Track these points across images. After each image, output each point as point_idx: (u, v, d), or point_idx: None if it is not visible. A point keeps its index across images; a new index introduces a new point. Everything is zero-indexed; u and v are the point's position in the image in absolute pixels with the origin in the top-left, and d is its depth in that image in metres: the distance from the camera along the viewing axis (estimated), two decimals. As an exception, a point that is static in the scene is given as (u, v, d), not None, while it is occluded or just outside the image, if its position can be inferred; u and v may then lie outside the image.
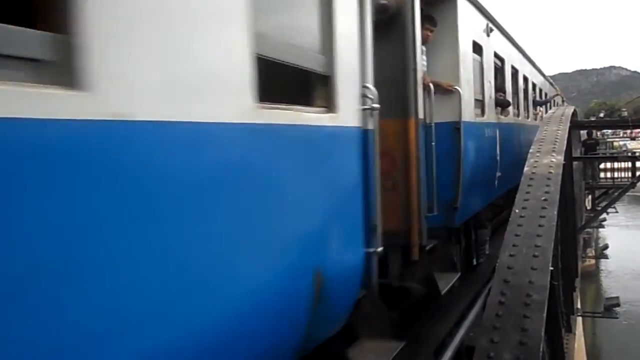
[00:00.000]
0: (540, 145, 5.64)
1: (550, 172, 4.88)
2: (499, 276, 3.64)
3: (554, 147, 5.50)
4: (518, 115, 11.36)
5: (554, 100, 20.10)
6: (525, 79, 12.86)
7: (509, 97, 9.99)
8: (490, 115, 7.98)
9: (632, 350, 18.05)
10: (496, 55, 8.89)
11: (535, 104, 8.57)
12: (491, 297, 3.54)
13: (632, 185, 12.03)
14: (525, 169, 5.02)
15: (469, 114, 6.46)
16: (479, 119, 7.22)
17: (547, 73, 19.72)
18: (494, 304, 3.44)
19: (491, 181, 7.84)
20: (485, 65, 7.81)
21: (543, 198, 4.42)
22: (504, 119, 9.13)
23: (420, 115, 5.15)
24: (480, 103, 7.46)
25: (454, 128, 6.01)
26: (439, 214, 5.52)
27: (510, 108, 10.01)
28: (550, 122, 6.75)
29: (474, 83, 7.04)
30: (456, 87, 6.04)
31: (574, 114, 8.85)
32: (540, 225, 4.06)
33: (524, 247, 3.83)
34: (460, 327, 5.62)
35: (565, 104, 24.40)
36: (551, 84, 20.26)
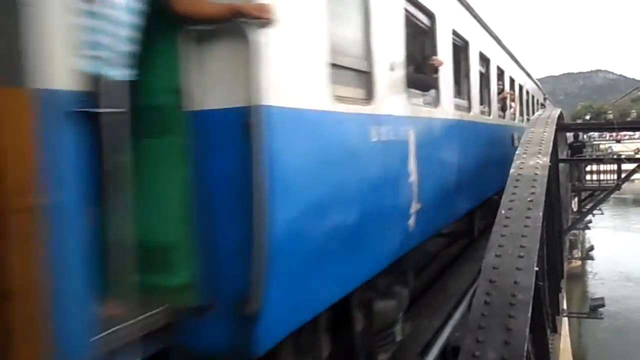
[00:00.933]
0: (527, 147, 5.67)
1: (536, 174, 4.91)
2: (485, 276, 3.67)
3: (540, 149, 5.53)
4: (469, 109, 7.60)
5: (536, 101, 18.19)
6: (485, 60, 9.03)
7: (447, 81, 6.40)
8: (393, 103, 4.49)
9: (616, 350, 18.26)
10: (413, 2, 5.34)
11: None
12: (476, 297, 3.56)
13: (618, 187, 12.10)
14: (512, 170, 5.05)
15: (297, 89, 3.02)
16: (350, 108, 3.72)
17: (535, 76, 19.32)
18: (480, 304, 3.46)
19: (395, 225, 4.54)
20: (375, 8, 4.18)
21: (529, 199, 4.45)
22: (430, 113, 5.66)
23: (53, 82, 1.91)
24: (363, 78, 4.08)
25: (237, 124, 2.63)
26: (207, 331, 2.61)
27: (449, 97, 6.37)
28: (536, 124, 6.79)
29: (337, 31, 3.61)
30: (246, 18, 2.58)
31: (561, 116, 8.91)
32: (525, 226, 4.09)
33: (509, 248, 3.86)
34: (445, 327, 5.66)
35: (548, 102, 22.77)
36: (529, 76, 16.46)
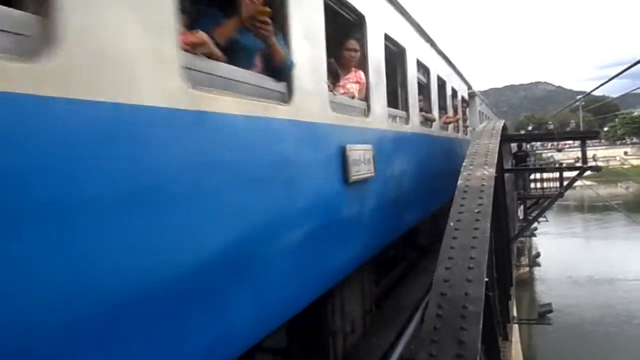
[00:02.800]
0: (473, 158, 5.76)
1: (483, 185, 4.98)
2: (436, 289, 3.67)
3: (486, 160, 5.62)
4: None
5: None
6: None
7: None
8: None
9: (566, 353, 18.80)
10: None
11: None
12: (429, 310, 3.55)
13: (561, 195, 12.50)
14: (459, 182, 5.10)
15: None
16: None
17: (479, 89, 19.36)
18: (432, 317, 3.45)
19: None
20: None
21: (476, 210, 4.50)
22: None
23: None
24: None
25: None
26: None
27: None
28: (482, 136, 6.93)
29: None
30: None
31: (505, 127, 9.14)
32: (474, 237, 4.12)
33: (459, 260, 3.88)
34: (400, 340, 5.64)
35: (479, 100, 18.30)
36: (435, 48, 9.38)
